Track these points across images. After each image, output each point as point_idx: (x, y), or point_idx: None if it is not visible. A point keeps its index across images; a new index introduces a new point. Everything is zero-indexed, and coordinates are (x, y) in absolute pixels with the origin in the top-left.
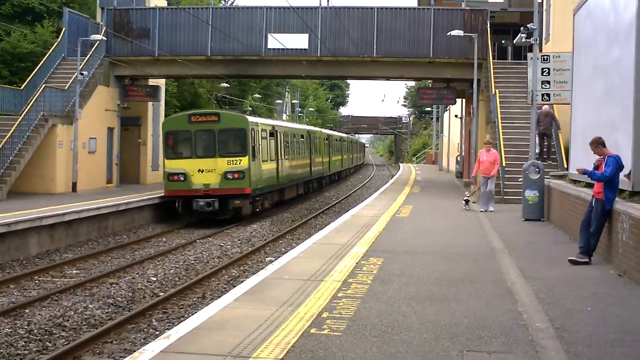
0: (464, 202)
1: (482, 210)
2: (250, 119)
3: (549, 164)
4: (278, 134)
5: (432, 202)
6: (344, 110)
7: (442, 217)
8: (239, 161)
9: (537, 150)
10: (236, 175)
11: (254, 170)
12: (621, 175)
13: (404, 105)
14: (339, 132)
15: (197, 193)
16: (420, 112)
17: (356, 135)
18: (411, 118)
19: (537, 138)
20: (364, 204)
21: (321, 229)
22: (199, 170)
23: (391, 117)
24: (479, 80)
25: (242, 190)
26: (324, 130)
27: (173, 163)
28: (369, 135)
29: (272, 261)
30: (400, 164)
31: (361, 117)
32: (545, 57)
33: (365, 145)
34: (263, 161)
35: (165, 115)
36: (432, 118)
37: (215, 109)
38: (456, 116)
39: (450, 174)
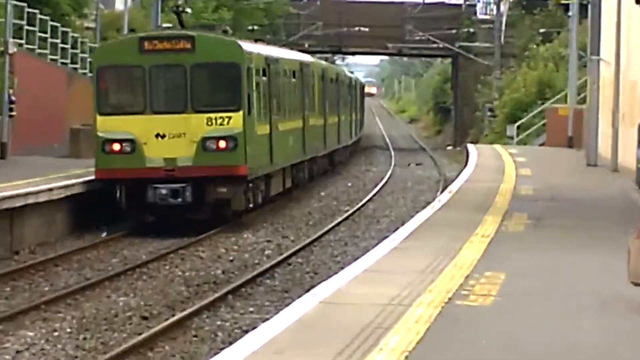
0: None
1: None
2: (246, 45)
3: None
4: (271, 71)
5: (565, 271)
6: None
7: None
8: (227, 119)
9: None
10: (223, 144)
11: (251, 136)
12: None
13: None
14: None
15: (154, 174)
16: None
17: (342, 62)
18: (506, 4)
19: None
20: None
21: None
22: (157, 136)
23: (442, 4)
24: None
25: (232, 169)
26: (322, 62)
27: (111, 122)
28: (377, 61)
29: None
30: (472, 149)
31: (351, 4)
32: None
33: (370, 87)
34: (258, 122)
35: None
36: (565, 7)
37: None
38: (639, 2)
39: (621, 178)
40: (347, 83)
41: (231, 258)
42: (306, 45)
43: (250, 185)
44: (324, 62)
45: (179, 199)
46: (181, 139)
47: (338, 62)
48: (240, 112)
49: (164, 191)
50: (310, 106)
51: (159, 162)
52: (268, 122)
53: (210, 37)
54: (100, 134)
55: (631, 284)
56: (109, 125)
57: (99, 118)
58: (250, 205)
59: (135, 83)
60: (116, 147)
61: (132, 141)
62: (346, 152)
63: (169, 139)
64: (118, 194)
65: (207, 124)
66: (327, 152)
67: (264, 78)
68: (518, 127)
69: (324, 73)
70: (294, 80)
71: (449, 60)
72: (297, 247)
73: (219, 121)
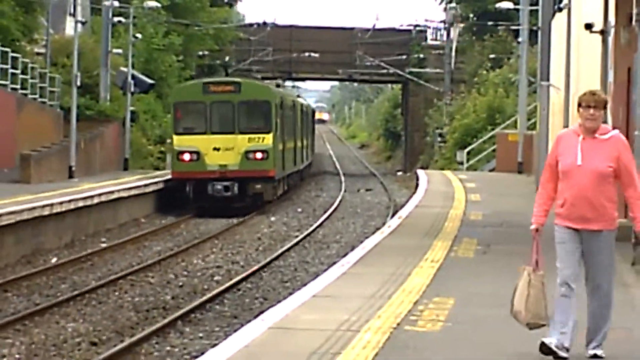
0: None
1: None
2: (274, 89)
3: None
4: (282, 106)
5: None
6: (249, 11)
7: None
8: (262, 139)
9: None
10: (259, 155)
11: (276, 150)
12: None
13: None
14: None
15: (212, 175)
16: (479, 15)
17: (293, 87)
18: (456, 30)
19: None
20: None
21: None
22: (214, 149)
23: (392, 30)
24: None
25: (265, 172)
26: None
27: (183, 140)
28: (328, 87)
29: None
30: (422, 174)
31: (301, 29)
32: None
33: (321, 113)
34: (280, 141)
35: None
36: (514, 33)
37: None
38: (589, 28)
39: None
40: (301, 109)
41: (180, 284)
42: (255, 71)
43: (276, 183)
44: (294, 93)
45: (229, 192)
46: (230, 152)
47: (289, 87)
48: (271, 134)
49: (219, 187)
50: (289, 131)
51: (215, 167)
52: (283, 142)
53: (250, 82)
54: (176, 147)
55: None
56: (182, 142)
57: (175, 137)
58: (275, 197)
59: (200, 113)
60: (186, 157)
61: (197, 152)
62: (299, 176)
63: (222, 151)
64: (187, 189)
65: (248, 141)
66: (296, 168)
67: (280, 111)
68: (468, 152)
69: (294, 103)
70: (289, 112)
71: (399, 85)
72: (247, 273)
73: (256, 139)
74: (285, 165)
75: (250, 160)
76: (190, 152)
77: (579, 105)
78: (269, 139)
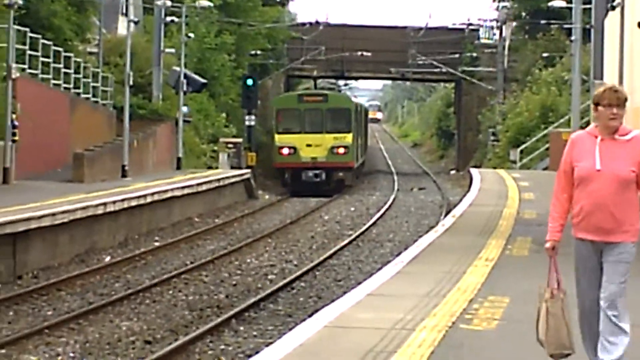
0: None
1: None
2: (352, 99)
3: None
4: (360, 111)
5: (569, 295)
6: (301, 10)
7: None
8: (344, 138)
9: None
10: (342, 150)
11: (354, 146)
12: None
13: None
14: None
15: (305, 165)
16: (532, 13)
17: (345, 86)
18: (509, 29)
19: None
20: None
21: None
22: (307, 145)
23: (445, 29)
24: None
25: (347, 164)
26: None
27: (283, 138)
28: (380, 85)
29: None
30: (475, 173)
31: (354, 28)
32: None
33: (375, 114)
34: (357, 138)
35: None
36: (567, 31)
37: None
38: None
39: None
40: (363, 112)
41: (234, 282)
42: (309, 70)
43: (353, 172)
44: (348, 95)
45: (318, 179)
46: (320, 147)
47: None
48: (351, 134)
49: (310, 174)
50: (359, 131)
51: (308, 159)
52: (357, 139)
53: (335, 94)
54: (277, 143)
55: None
56: (282, 140)
57: (277, 136)
58: (352, 183)
59: (296, 117)
60: (285, 151)
61: (294, 148)
62: (362, 167)
63: (313, 146)
64: (286, 176)
65: (333, 139)
66: (361, 161)
67: (354, 115)
68: (521, 151)
69: (360, 107)
70: (358, 116)
71: (452, 84)
72: (301, 271)
73: (339, 138)
74: (358, 158)
75: (334, 154)
76: (289, 147)
77: (598, 104)
78: (349, 137)
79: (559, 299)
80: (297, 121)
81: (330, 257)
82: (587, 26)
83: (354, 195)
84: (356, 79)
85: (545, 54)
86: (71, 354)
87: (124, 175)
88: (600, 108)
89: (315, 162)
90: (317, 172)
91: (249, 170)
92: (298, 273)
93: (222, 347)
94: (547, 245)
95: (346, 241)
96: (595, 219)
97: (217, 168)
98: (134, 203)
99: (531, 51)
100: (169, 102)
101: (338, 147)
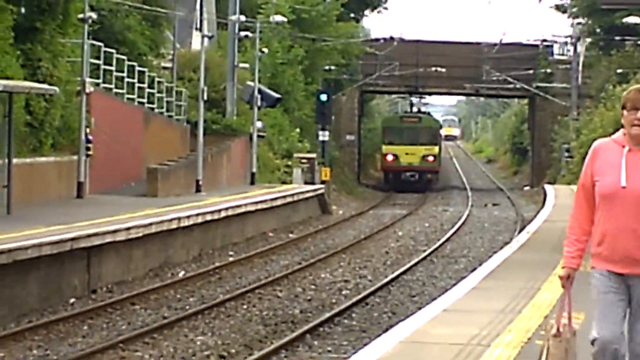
0: None
1: None
2: (437, 120)
3: None
4: (439, 127)
5: None
6: (375, 26)
7: None
8: (432, 149)
9: None
10: (431, 158)
11: (439, 155)
12: None
13: (558, 8)
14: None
15: (404, 169)
16: (606, 30)
17: (419, 101)
18: (583, 45)
19: None
20: None
21: None
22: (406, 153)
23: (519, 44)
24: None
25: (434, 168)
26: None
27: (388, 148)
28: (454, 101)
29: None
30: (549, 189)
31: (428, 44)
32: None
33: (450, 128)
34: (441, 149)
35: None
36: None
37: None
38: None
39: None
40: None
41: (309, 297)
42: (383, 86)
43: (438, 175)
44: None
45: (413, 178)
46: (414, 155)
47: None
48: (437, 146)
49: (408, 175)
50: (440, 144)
51: (406, 164)
52: (440, 150)
53: (427, 116)
54: (384, 151)
55: None
56: (387, 149)
57: (384, 146)
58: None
59: (398, 132)
60: (389, 157)
61: (396, 155)
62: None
63: (410, 155)
64: (389, 177)
65: (425, 150)
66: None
67: (439, 130)
68: None
69: (441, 125)
70: (440, 131)
71: (526, 100)
72: (375, 287)
73: (429, 149)
74: (440, 164)
75: (425, 161)
76: (392, 155)
77: (623, 107)
78: (436, 149)
79: (564, 339)
80: (398, 135)
81: (404, 272)
82: None
83: (427, 211)
84: (430, 94)
85: (619, 70)
86: None
87: (197, 190)
88: (625, 112)
89: (412, 166)
90: (412, 173)
91: (323, 186)
92: (372, 288)
93: None
94: (562, 273)
95: (420, 257)
96: (621, 246)
97: (291, 183)
98: (208, 218)
99: (605, 67)
100: (243, 117)
101: (428, 155)
